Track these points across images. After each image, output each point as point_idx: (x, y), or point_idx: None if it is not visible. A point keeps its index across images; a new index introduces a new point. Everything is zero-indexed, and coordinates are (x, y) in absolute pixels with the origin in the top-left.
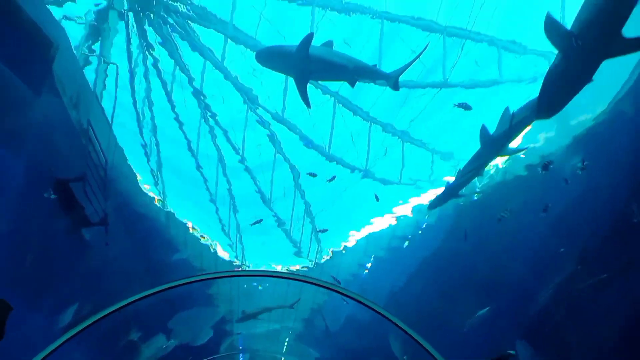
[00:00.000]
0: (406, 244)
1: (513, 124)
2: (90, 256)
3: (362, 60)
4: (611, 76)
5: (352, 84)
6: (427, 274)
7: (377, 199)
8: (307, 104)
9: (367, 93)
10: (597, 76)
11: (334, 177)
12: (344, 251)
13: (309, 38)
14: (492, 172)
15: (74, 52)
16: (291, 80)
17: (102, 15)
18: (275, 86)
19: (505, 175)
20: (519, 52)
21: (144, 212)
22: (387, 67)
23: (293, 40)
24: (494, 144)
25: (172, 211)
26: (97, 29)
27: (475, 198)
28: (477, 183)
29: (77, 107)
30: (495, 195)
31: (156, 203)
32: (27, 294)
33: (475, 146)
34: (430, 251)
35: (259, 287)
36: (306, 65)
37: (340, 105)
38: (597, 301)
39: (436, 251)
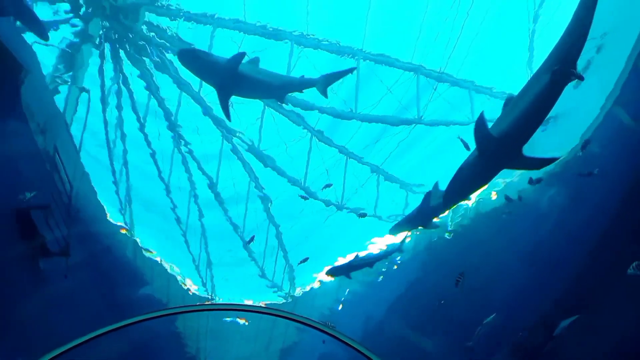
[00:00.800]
0: (380, 278)
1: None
2: (46, 288)
3: (288, 75)
4: (579, 119)
5: (281, 100)
6: (403, 307)
7: (363, 215)
8: (228, 117)
9: (346, 128)
10: (567, 117)
11: (329, 185)
12: (310, 289)
13: (240, 57)
14: (462, 213)
15: (45, 77)
16: (267, 113)
17: (77, 43)
18: (251, 118)
19: (476, 215)
20: (490, 95)
21: (109, 243)
22: (363, 106)
23: None
24: (427, 214)
25: (139, 243)
26: (71, 56)
27: (447, 237)
28: (449, 223)
29: (45, 133)
30: (468, 233)
31: (123, 233)
32: None
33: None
34: (405, 286)
35: (227, 319)
36: (232, 81)
37: (316, 139)
38: (574, 340)
39: (411, 285)
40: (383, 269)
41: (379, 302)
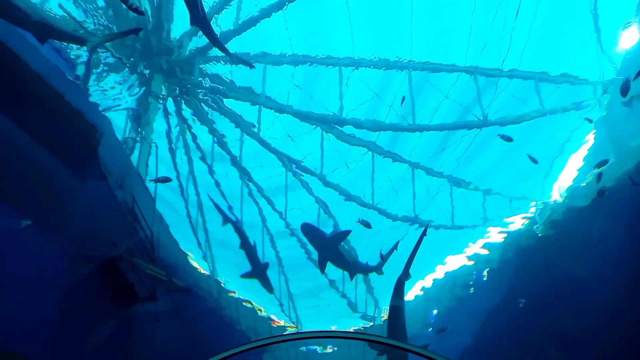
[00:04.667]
0: (471, 290)
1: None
2: (138, 335)
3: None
4: None
5: (41, 41)
6: (498, 323)
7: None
8: None
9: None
10: None
11: None
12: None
13: None
14: (551, 206)
15: (117, 136)
16: (326, 139)
17: (142, 102)
18: (311, 145)
19: (567, 210)
20: (557, 83)
21: (193, 286)
22: (419, 117)
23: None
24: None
25: (222, 284)
26: (138, 115)
27: (540, 235)
28: (538, 219)
29: (123, 187)
30: (558, 232)
31: (206, 276)
32: None
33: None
34: (498, 299)
35: (318, 350)
36: None
37: (379, 155)
38: None
39: (504, 299)
40: (470, 282)
41: (473, 315)
